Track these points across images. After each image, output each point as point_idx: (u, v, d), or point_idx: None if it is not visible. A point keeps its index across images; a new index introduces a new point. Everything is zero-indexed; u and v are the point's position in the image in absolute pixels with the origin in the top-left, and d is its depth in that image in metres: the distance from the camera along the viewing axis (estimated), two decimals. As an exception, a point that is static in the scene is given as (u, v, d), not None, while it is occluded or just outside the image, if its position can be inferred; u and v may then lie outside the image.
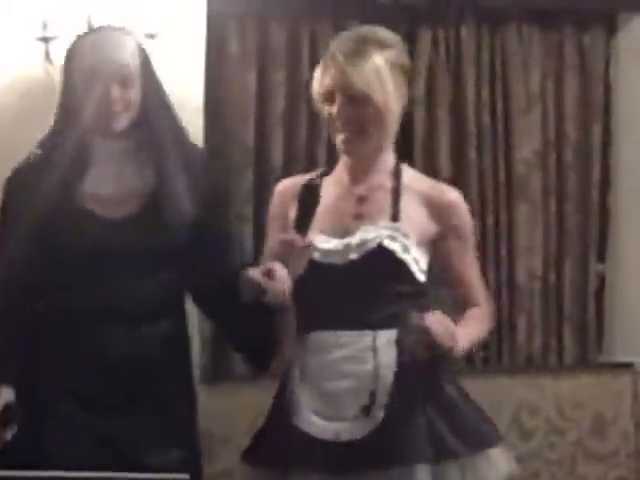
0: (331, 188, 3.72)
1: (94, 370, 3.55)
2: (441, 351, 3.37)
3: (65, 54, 3.63)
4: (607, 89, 5.42)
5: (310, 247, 3.48)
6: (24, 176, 3.65)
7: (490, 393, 5.00)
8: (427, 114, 5.21)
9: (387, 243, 3.55)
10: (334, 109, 3.60)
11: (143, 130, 3.61)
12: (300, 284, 3.53)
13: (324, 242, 3.62)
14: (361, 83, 3.54)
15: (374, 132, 3.60)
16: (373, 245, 3.55)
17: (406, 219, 3.62)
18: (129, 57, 3.55)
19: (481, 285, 3.81)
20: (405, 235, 3.58)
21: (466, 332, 3.56)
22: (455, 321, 3.50)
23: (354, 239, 3.58)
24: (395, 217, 3.61)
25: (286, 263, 3.44)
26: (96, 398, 3.57)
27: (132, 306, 3.59)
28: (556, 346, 5.40)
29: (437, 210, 3.67)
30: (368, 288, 3.56)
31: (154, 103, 3.62)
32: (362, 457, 3.53)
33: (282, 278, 3.42)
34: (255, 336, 3.69)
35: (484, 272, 5.02)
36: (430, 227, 3.64)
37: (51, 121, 3.72)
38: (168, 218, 3.57)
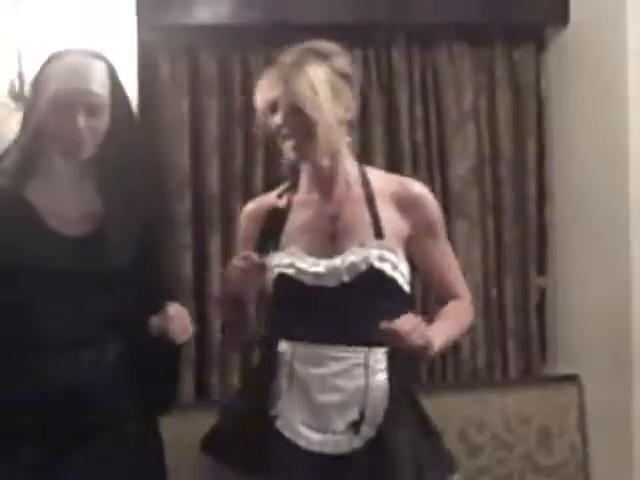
0: (301, 207, 3.76)
1: (36, 401, 3.48)
2: (416, 351, 3.40)
3: (35, 74, 3.59)
4: (539, 103, 5.45)
5: (264, 265, 3.54)
6: None
7: (436, 409, 4.94)
8: (361, 133, 5.16)
9: (377, 265, 3.58)
10: (275, 119, 3.63)
11: (106, 154, 3.56)
12: (288, 301, 3.66)
13: (311, 265, 3.65)
14: (297, 94, 3.56)
15: (314, 139, 3.60)
16: (363, 267, 3.58)
17: (387, 229, 3.66)
18: (99, 86, 3.51)
19: (460, 276, 3.86)
20: (392, 251, 3.62)
21: (440, 329, 3.58)
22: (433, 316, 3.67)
23: (342, 261, 3.61)
24: (379, 233, 3.64)
25: (242, 281, 3.54)
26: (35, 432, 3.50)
27: (78, 329, 3.53)
28: (500, 360, 5.43)
29: (406, 206, 3.69)
30: (360, 307, 3.58)
31: (121, 130, 3.58)
32: (345, 472, 3.54)
33: (182, 318, 3.52)
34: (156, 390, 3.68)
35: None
36: (403, 226, 3.67)
37: None
38: (113, 242, 3.55)
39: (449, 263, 3.83)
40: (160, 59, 4.96)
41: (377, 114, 5.25)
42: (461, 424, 5.21)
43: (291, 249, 3.68)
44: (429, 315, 3.69)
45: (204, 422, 3.86)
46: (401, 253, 3.65)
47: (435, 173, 5.28)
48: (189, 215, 5.07)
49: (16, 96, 4.20)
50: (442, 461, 3.68)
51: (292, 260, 3.66)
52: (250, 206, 3.92)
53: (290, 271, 3.64)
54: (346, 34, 4.88)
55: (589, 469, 5.31)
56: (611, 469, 5.20)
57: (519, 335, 5.44)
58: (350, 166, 3.74)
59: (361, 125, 5.16)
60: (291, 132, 3.61)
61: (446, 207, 5.15)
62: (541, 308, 5.49)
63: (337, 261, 3.60)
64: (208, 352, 5.15)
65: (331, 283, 3.59)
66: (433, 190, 5.00)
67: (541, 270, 5.49)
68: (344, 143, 3.72)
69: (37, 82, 3.57)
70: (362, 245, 3.60)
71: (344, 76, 3.66)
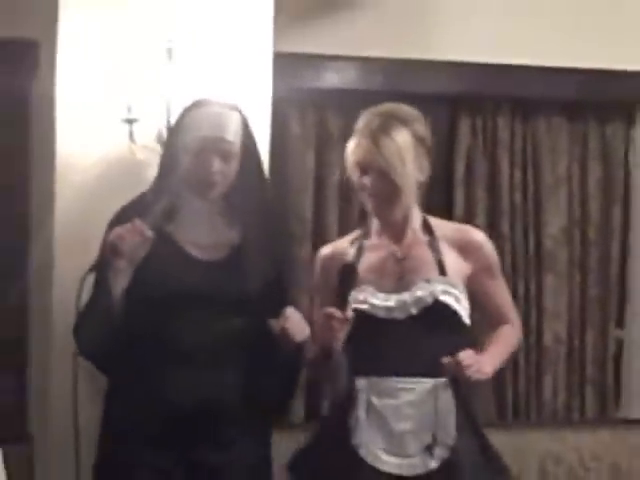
0: (373, 249, 3.84)
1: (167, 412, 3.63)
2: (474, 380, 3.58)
3: (176, 119, 3.78)
4: (627, 174, 5.49)
5: (349, 319, 3.55)
6: (127, 215, 3.65)
7: (519, 444, 5.15)
8: (466, 193, 5.27)
9: (442, 298, 3.67)
10: (364, 180, 3.72)
11: (235, 196, 3.72)
12: (362, 336, 3.66)
13: (380, 299, 3.71)
14: (387, 163, 3.66)
15: (397, 202, 3.72)
16: (430, 300, 3.66)
17: (449, 268, 3.76)
18: (233, 135, 3.65)
19: (511, 305, 3.98)
20: (454, 286, 3.72)
21: (493, 356, 3.74)
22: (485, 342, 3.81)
23: (411, 295, 3.69)
24: (442, 270, 3.73)
25: (331, 332, 3.57)
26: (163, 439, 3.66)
27: (214, 346, 3.66)
28: (578, 403, 5.46)
29: (467, 250, 3.82)
30: (427, 338, 3.67)
31: (250, 175, 3.73)
32: None
33: (298, 318, 3.65)
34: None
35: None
36: (463, 267, 3.80)
37: (133, 194, 3.81)
38: (247, 268, 3.69)
39: (504, 297, 3.94)
40: (290, 116, 5.04)
41: (480, 176, 5.32)
42: (541, 457, 5.26)
43: (364, 287, 3.72)
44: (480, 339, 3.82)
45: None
46: (463, 289, 3.75)
47: (529, 231, 5.33)
48: (309, 257, 4.94)
49: (162, 142, 4.12)
50: (497, 468, 3.78)
51: (365, 296, 3.70)
52: (325, 251, 4.00)
53: (364, 306, 3.68)
54: (457, 103, 5.13)
55: None
56: None
57: (596, 381, 5.45)
58: (416, 215, 3.83)
59: (465, 185, 5.25)
60: (377, 193, 3.72)
61: (539, 262, 5.32)
62: (618, 358, 5.48)
63: (405, 295, 3.68)
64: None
65: (400, 316, 3.67)
66: (527, 246, 5.22)
67: (620, 324, 5.50)
68: (416, 199, 3.81)
69: (177, 127, 3.74)
70: (428, 281, 3.68)
71: (421, 140, 3.75)
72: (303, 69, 4.90)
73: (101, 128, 4.27)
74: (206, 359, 3.66)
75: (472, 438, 3.73)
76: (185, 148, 3.66)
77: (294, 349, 3.66)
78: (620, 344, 5.58)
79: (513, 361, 5.27)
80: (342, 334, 3.60)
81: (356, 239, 3.93)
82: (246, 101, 4.10)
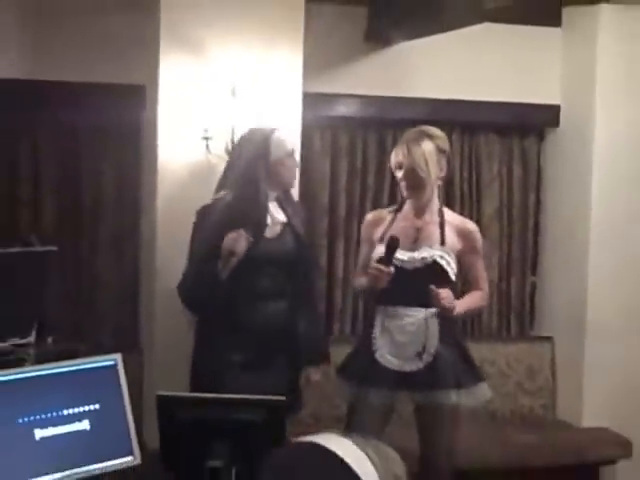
0: (401, 219, 3.88)
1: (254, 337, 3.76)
2: (445, 310, 3.69)
3: (238, 141, 3.88)
4: (539, 173, 5.43)
5: (392, 273, 3.63)
6: (211, 211, 3.78)
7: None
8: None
9: (438, 260, 3.75)
10: (400, 174, 3.80)
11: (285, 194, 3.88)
12: None
13: (400, 254, 3.72)
14: (415, 162, 3.75)
15: (422, 189, 3.80)
16: (430, 261, 3.75)
17: (448, 242, 3.80)
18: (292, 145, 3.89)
19: (485, 278, 3.98)
20: (448, 254, 3.78)
21: (463, 303, 3.83)
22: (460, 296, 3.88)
23: (418, 255, 3.76)
24: (443, 242, 3.79)
25: (378, 279, 3.66)
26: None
27: (278, 289, 3.82)
28: (505, 325, 5.44)
29: (462, 233, 3.86)
30: (424, 284, 3.67)
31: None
32: (415, 382, 3.77)
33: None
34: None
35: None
36: (457, 243, 3.83)
37: (209, 187, 3.89)
38: (295, 239, 3.85)
39: (480, 270, 3.95)
40: (314, 134, 4.95)
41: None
42: (480, 362, 4.89)
43: None
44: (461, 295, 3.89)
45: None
46: (453, 257, 3.80)
47: (473, 211, 5.28)
48: (325, 230, 5.08)
49: (229, 153, 4.13)
50: (473, 373, 3.87)
51: None
52: (369, 216, 4.05)
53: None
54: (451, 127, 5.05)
55: (556, 389, 5.30)
56: (568, 391, 5.23)
57: (518, 310, 5.43)
58: (435, 203, 3.87)
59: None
60: (407, 183, 3.79)
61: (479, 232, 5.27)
62: (532, 295, 5.46)
63: (415, 254, 3.75)
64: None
65: (409, 267, 3.74)
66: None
67: (534, 272, 5.47)
68: (436, 190, 3.87)
69: (237, 146, 3.91)
70: (430, 247, 3.76)
71: (442, 150, 3.83)
72: (322, 103, 4.81)
73: (188, 143, 4.29)
74: (274, 297, 3.79)
75: (451, 349, 3.81)
76: (242, 159, 3.79)
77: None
78: (534, 286, 5.52)
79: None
80: (386, 281, 3.66)
81: (392, 211, 3.97)
82: (283, 126, 4.09)
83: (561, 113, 5.26)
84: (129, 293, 4.73)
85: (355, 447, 1.54)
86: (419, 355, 3.77)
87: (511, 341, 5.39)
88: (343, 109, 4.95)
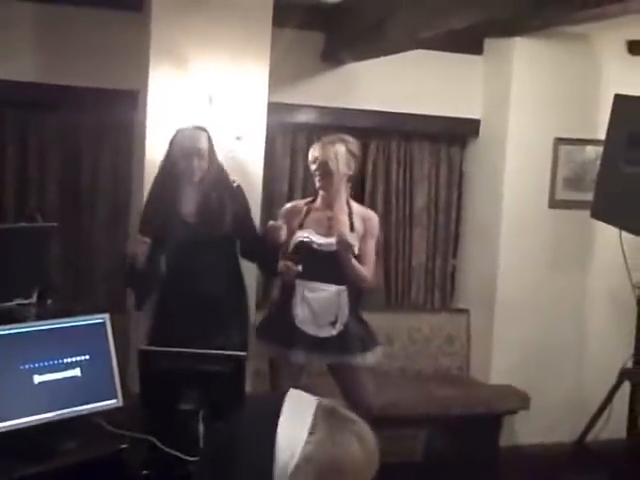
0: (315, 211, 3.88)
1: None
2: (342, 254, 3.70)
3: (170, 138, 3.75)
4: (461, 174, 5.41)
5: (299, 270, 3.69)
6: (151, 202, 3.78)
7: (396, 320, 5.18)
8: (371, 184, 5.17)
9: (350, 242, 3.72)
10: (315, 168, 3.82)
11: (207, 179, 3.71)
12: (305, 258, 3.74)
13: (317, 237, 3.76)
14: (327, 156, 3.78)
15: (331, 180, 3.80)
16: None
17: (356, 228, 3.82)
18: (204, 144, 3.69)
19: (371, 260, 3.89)
20: (355, 238, 3.78)
21: (355, 261, 3.76)
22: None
23: (333, 239, 3.73)
24: (352, 229, 3.81)
25: (288, 273, 3.72)
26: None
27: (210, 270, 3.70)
28: (430, 298, 5.42)
29: (365, 220, 3.88)
30: (337, 263, 3.73)
31: (214, 167, 3.74)
32: (329, 347, 3.78)
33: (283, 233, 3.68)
34: (268, 261, 3.83)
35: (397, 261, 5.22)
36: (362, 229, 3.84)
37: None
38: (218, 222, 3.71)
39: (370, 250, 3.87)
40: (277, 136, 4.86)
41: (381, 175, 5.19)
42: (409, 329, 5.20)
43: (308, 229, 3.81)
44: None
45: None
46: (357, 240, 3.79)
47: (406, 204, 5.24)
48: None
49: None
50: (373, 339, 3.91)
51: (308, 234, 3.79)
52: (287, 206, 4.03)
53: (306, 239, 3.77)
54: (369, 133, 5.04)
55: (470, 352, 5.28)
56: (479, 355, 5.22)
57: (441, 287, 5.42)
58: (344, 196, 3.88)
59: (370, 179, 5.18)
60: (320, 173, 3.80)
61: (411, 221, 5.25)
62: (453, 275, 5.46)
63: (330, 239, 3.74)
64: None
65: (326, 249, 3.75)
66: (405, 212, 5.15)
67: (454, 256, 5.44)
68: (344, 185, 3.87)
69: (172, 142, 3.74)
70: (343, 233, 3.73)
71: (352, 154, 3.85)
72: (284, 112, 4.75)
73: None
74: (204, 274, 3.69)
75: (357, 320, 3.85)
76: (178, 154, 3.70)
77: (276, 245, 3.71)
78: (454, 267, 5.51)
79: (399, 275, 5.32)
80: (294, 275, 3.71)
81: (307, 202, 3.96)
82: (251, 129, 4.16)
83: (481, 126, 5.27)
84: (119, 263, 4.61)
85: (307, 412, 1.40)
86: (332, 324, 3.77)
87: (434, 312, 5.38)
88: (302, 117, 4.90)
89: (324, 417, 1.34)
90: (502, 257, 5.08)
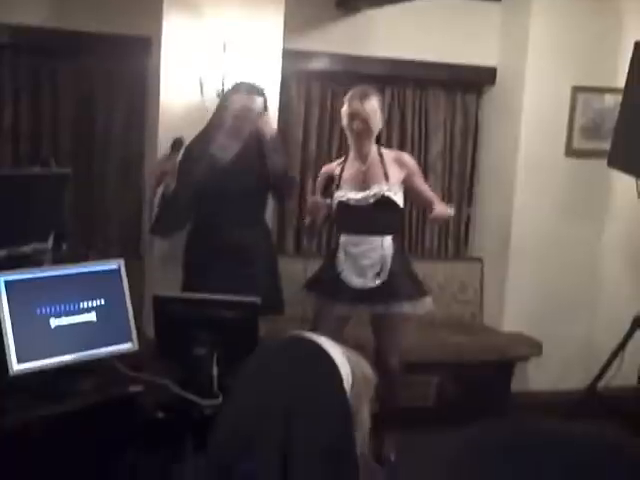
0: (349, 167, 3.88)
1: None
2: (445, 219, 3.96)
3: (225, 94, 3.81)
4: (477, 122, 5.38)
5: (327, 203, 3.75)
6: (193, 148, 3.78)
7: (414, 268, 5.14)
8: (386, 132, 5.09)
9: (386, 193, 3.78)
10: (354, 125, 3.79)
11: (255, 136, 3.78)
12: (344, 212, 3.83)
13: (353, 194, 3.80)
14: (365, 112, 3.75)
15: (369, 138, 3.83)
16: (380, 195, 3.78)
17: (391, 176, 3.81)
18: (258, 109, 3.73)
19: (434, 195, 3.98)
20: (393, 186, 3.80)
21: (444, 207, 3.87)
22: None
23: (370, 192, 3.78)
24: (387, 178, 3.81)
25: (317, 210, 3.81)
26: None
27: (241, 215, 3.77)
28: (444, 247, 5.42)
29: (401, 164, 3.87)
30: (378, 215, 3.79)
31: (264, 128, 3.78)
32: (374, 297, 3.80)
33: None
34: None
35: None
36: (399, 174, 3.85)
37: (201, 126, 3.85)
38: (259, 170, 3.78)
39: (426, 189, 3.95)
40: (291, 84, 4.83)
41: (395, 122, 5.16)
42: (423, 275, 5.04)
43: (344, 188, 3.83)
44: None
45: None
46: (399, 188, 3.83)
47: (422, 152, 5.21)
48: (299, 159, 4.99)
49: (219, 96, 4.08)
50: (420, 288, 3.93)
51: (344, 193, 3.82)
52: (324, 168, 4.03)
53: (344, 199, 3.82)
54: (384, 80, 4.99)
55: (483, 300, 5.28)
56: (492, 302, 5.22)
57: (456, 235, 5.40)
58: (373, 147, 3.88)
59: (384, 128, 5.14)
60: (360, 132, 3.79)
61: (426, 169, 5.15)
62: (467, 223, 5.44)
63: (366, 192, 3.79)
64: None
65: (364, 203, 3.79)
66: (420, 160, 5.03)
67: (469, 204, 5.42)
68: (374, 137, 3.89)
69: (224, 101, 3.81)
70: (378, 185, 3.78)
71: (381, 106, 3.86)
72: (299, 59, 4.72)
73: (185, 88, 4.22)
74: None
75: (402, 270, 3.85)
76: (229, 111, 3.72)
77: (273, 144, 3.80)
78: (468, 216, 5.49)
79: (413, 223, 5.32)
80: (323, 211, 3.80)
81: (340, 163, 3.94)
82: (267, 78, 4.15)
83: (497, 74, 5.21)
84: (133, 210, 4.68)
85: (334, 344, 1.55)
86: (378, 275, 3.79)
87: (448, 260, 5.38)
88: (316, 64, 4.86)
89: (343, 348, 1.58)
90: (517, 205, 5.05)
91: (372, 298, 3.80)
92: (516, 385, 5.12)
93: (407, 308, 3.84)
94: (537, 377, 5.15)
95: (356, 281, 3.81)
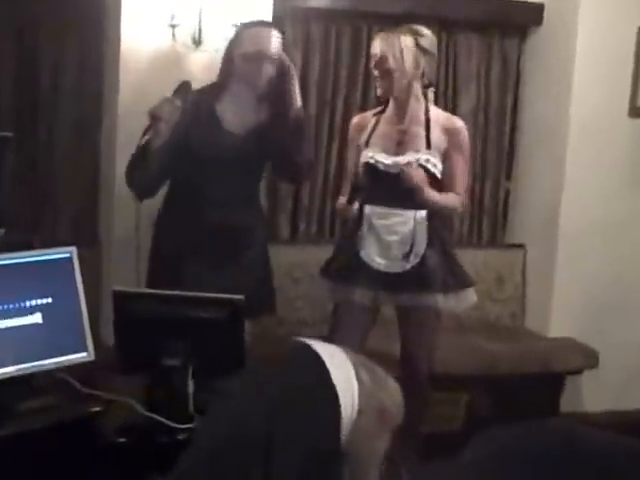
0: (385, 122, 3.91)
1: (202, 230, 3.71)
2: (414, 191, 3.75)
3: (233, 36, 3.74)
4: (518, 73, 5.38)
5: (355, 210, 3.81)
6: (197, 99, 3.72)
7: None
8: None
9: (424, 163, 3.79)
10: (374, 70, 3.84)
11: (270, 90, 3.73)
12: (370, 180, 3.85)
13: (383, 158, 3.82)
14: (387, 53, 3.76)
15: (394, 83, 3.80)
16: (415, 165, 3.79)
17: (433, 143, 3.82)
18: (276, 48, 3.67)
19: (463, 182, 3.98)
20: (433, 156, 3.81)
21: (434, 194, 3.81)
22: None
23: (403, 159, 3.80)
24: (429, 145, 3.82)
25: (345, 215, 3.94)
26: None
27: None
28: (477, 231, 5.45)
29: (448, 131, 3.88)
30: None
31: (280, 73, 3.71)
32: (401, 284, 3.83)
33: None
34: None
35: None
36: (443, 143, 3.85)
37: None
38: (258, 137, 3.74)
39: (460, 170, 3.93)
40: (285, 25, 4.65)
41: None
42: None
43: (373, 148, 3.86)
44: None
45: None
46: (439, 158, 3.84)
47: (448, 111, 4.89)
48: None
49: (195, 42, 4.14)
50: (460, 278, 3.95)
51: (373, 154, 3.84)
52: (354, 120, 4.09)
53: (371, 161, 3.83)
54: (402, 20, 5.04)
55: (525, 298, 5.30)
56: (537, 301, 5.25)
57: (491, 216, 5.43)
58: (418, 103, 3.86)
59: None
60: (379, 75, 3.81)
61: None
62: (506, 201, 5.45)
63: (399, 159, 3.80)
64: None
65: (394, 171, 3.79)
66: None
67: (508, 177, 5.42)
68: (416, 91, 3.85)
69: (234, 41, 3.72)
70: (417, 151, 3.81)
71: (423, 49, 3.83)
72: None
73: (153, 31, 4.23)
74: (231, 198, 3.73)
75: (438, 253, 3.86)
76: (240, 58, 3.66)
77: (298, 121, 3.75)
78: (507, 192, 5.50)
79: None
80: (352, 216, 3.86)
81: (376, 113, 3.98)
82: (254, 14, 4.08)
83: (545, 12, 5.20)
84: (88, 185, 4.68)
85: (346, 359, 1.55)
86: (406, 256, 3.82)
87: (481, 247, 5.40)
88: (317, 0, 4.85)
89: (358, 364, 1.58)
90: (568, 178, 5.05)
91: (397, 285, 3.83)
92: (566, 404, 5.12)
93: (441, 302, 3.86)
94: (593, 394, 5.17)
95: (378, 261, 3.84)
